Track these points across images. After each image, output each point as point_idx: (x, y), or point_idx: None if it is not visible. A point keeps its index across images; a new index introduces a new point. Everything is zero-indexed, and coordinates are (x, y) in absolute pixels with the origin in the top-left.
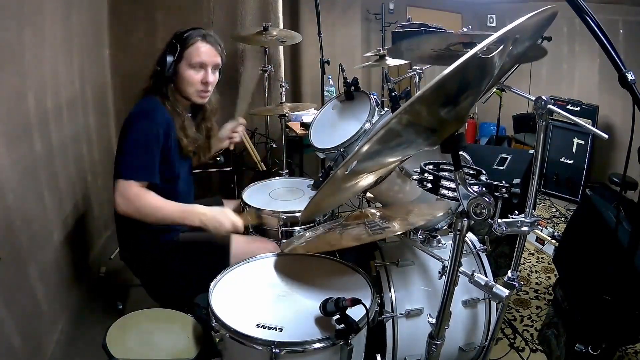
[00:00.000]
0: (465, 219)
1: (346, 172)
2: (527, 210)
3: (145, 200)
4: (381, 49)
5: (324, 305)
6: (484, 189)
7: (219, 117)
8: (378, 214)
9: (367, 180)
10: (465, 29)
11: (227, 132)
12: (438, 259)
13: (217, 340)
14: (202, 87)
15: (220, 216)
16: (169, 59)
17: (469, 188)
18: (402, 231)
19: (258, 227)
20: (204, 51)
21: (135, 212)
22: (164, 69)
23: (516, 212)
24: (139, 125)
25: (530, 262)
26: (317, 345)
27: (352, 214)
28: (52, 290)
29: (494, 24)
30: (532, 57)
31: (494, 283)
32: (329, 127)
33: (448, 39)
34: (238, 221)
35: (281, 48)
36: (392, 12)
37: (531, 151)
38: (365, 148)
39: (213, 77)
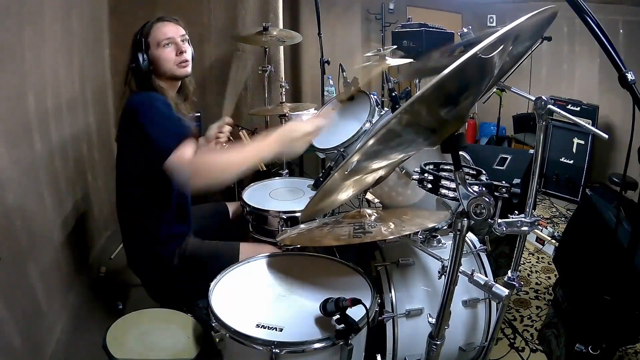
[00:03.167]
0: (465, 219)
1: (346, 172)
2: (527, 210)
3: (202, 161)
4: (381, 49)
5: (324, 305)
6: (484, 189)
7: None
8: (374, 215)
9: (367, 180)
10: (465, 29)
11: (214, 132)
12: (438, 259)
13: (217, 340)
14: (178, 58)
15: (293, 125)
16: (139, 54)
17: (469, 188)
18: (384, 238)
19: (258, 227)
20: (166, 29)
21: (205, 179)
22: (139, 64)
23: (516, 212)
24: (151, 105)
25: (530, 262)
26: (317, 345)
27: (349, 213)
28: (52, 290)
29: (494, 24)
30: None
31: (494, 283)
32: (329, 127)
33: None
34: (312, 120)
35: (281, 48)
36: (392, 12)
37: (531, 151)
38: (365, 148)
39: (185, 47)
